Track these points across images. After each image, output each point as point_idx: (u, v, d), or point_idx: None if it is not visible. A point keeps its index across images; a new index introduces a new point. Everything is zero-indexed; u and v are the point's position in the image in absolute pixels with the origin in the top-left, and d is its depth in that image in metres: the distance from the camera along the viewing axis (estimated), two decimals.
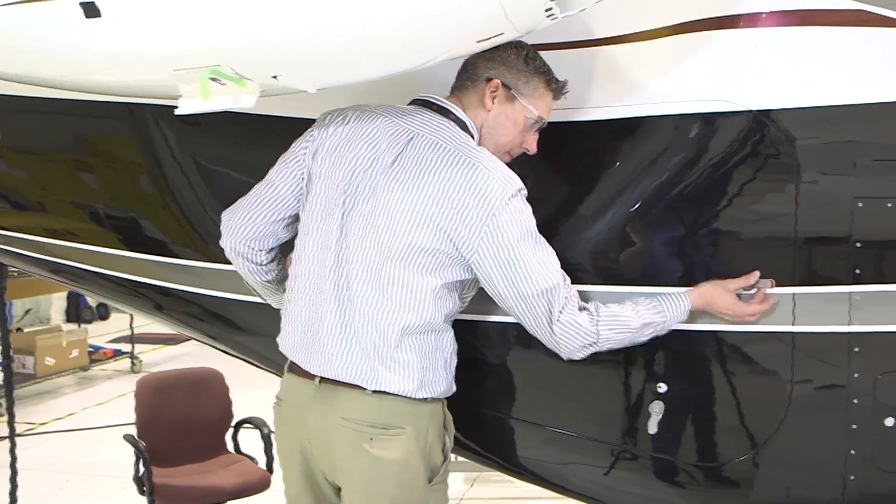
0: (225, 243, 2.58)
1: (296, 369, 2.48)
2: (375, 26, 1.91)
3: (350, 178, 2.39)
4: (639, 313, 2.41)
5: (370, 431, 2.34)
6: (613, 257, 2.59)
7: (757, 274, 2.45)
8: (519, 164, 2.51)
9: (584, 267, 2.57)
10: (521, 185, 2.35)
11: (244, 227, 2.52)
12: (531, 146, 2.50)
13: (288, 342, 2.51)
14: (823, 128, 2.44)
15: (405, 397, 2.35)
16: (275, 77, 2.09)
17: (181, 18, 1.90)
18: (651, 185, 2.53)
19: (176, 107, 2.17)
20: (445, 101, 2.47)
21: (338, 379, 2.37)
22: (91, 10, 1.90)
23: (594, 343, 2.38)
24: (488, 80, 2.43)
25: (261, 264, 2.58)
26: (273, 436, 2.61)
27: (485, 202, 2.29)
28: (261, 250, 2.55)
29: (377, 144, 2.40)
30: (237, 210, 2.55)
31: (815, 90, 2.42)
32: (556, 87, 2.47)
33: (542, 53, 2.46)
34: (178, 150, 3.02)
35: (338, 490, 2.46)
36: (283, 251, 2.61)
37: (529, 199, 2.37)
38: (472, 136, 2.43)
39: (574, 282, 2.40)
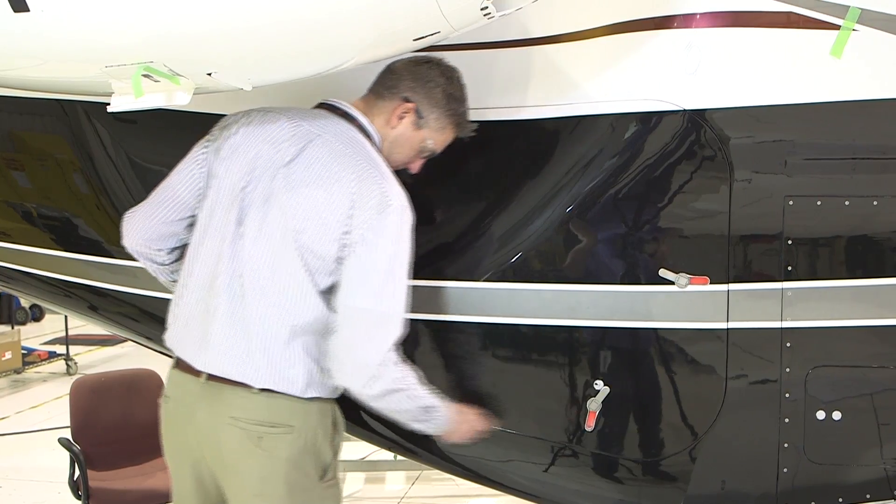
0: (125, 244, 2.56)
1: (182, 365, 2.45)
2: (311, 23, 1.90)
3: (250, 177, 2.38)
4: (432, 395, 2.42)
5: (259, 430, 2.32)
6: (550, 256, 2.61)
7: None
8: (455, 160, 2.53)
9: (521, 266, 2.58)
10: (410, 210, 2.34)
11: (143, 229, 2.52)
12: (415, 167, 2.53)
13: (175, 337, 2.48)
14: (756, 127, 2.50)
15: (293, 396, 2.34)
16: (209, 74, 2.07)
17: (112, 13, 1.86)
18: (587, 185, 2.55)
19: (109, 104, 2.13)
20: (350, 106, 2.46)
21: (224, 376, 2.35)
22: (19, 4, 1.86)
23: (375, 377, 2.33)
24: (406, 99, 2.44)
25: (164, 264, 2.57)
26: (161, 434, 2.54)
27: (373, 210, 2.28)
28: (160, 250, 2.54)
29: (278, 145, 2.38)
30: (137, 212, 2.54)
31: (747, 90, 2.47)
32: (462, 131, 2.50)
33: (479, 53, 2.47)
34: (113, 148, 2.97)
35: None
36: None
37: (469, 196, 2.37)
38: (374, 143, 2.43)
39: (507, 281, 2.41)
